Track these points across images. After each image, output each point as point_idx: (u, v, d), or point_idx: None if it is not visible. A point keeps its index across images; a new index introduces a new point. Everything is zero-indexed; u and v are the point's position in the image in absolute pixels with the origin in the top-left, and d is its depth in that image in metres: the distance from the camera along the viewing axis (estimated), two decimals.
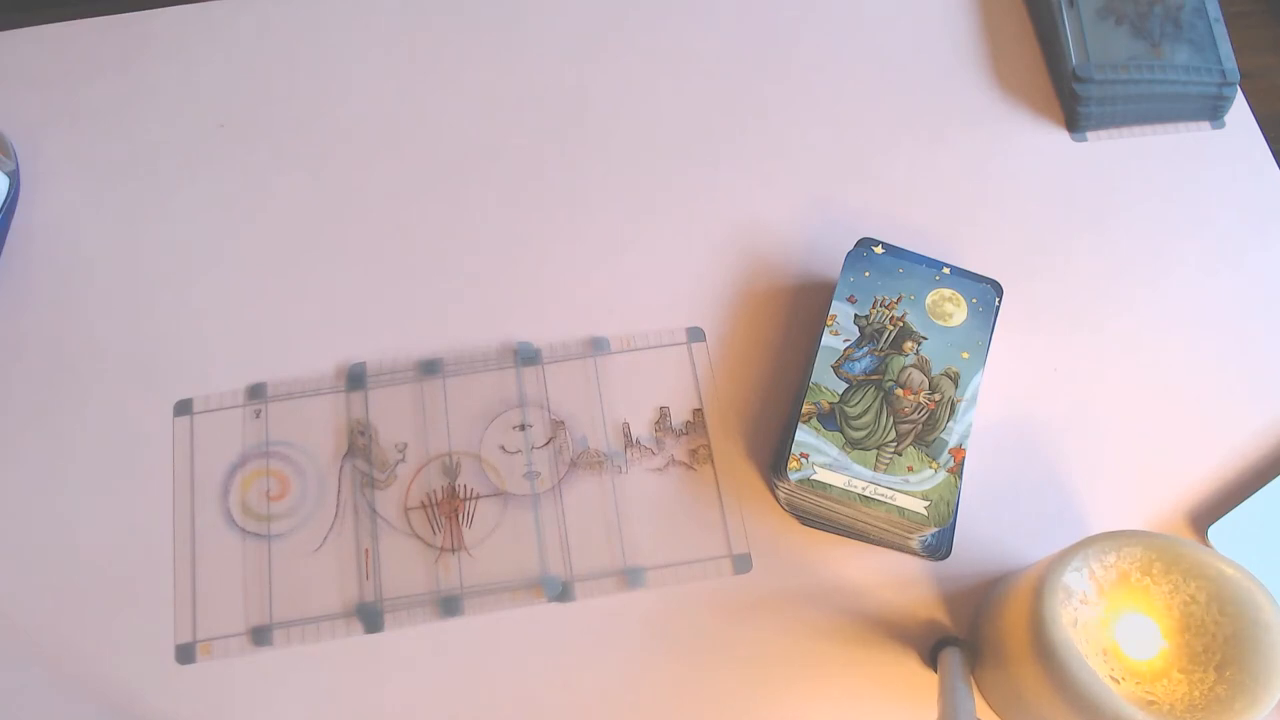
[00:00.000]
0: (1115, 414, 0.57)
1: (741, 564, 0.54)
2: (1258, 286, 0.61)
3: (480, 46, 0.68)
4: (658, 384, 0.58)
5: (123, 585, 0.53)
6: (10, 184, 0.61)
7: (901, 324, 0.53)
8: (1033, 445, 0.56)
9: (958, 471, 0.50)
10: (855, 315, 0.54)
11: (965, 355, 0.53)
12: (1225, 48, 0.64)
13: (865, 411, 0.51)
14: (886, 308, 0.54)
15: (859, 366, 0.52)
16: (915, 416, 0.51)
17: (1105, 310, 0.60)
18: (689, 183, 0.63)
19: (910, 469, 0.50)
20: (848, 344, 0.53)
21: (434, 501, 0.55)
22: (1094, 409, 0.57)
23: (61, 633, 0.52)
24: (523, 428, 0.57)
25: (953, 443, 0.50)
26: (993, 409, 0.56)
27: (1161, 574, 0.43)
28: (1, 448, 0.56)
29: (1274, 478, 0.55)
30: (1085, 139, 0.65)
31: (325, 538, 0.54)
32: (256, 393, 0.57)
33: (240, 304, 0.60)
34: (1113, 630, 0.43)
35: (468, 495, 0.55)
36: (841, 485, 0.49)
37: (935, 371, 0.52)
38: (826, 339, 0.53)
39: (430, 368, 0.58)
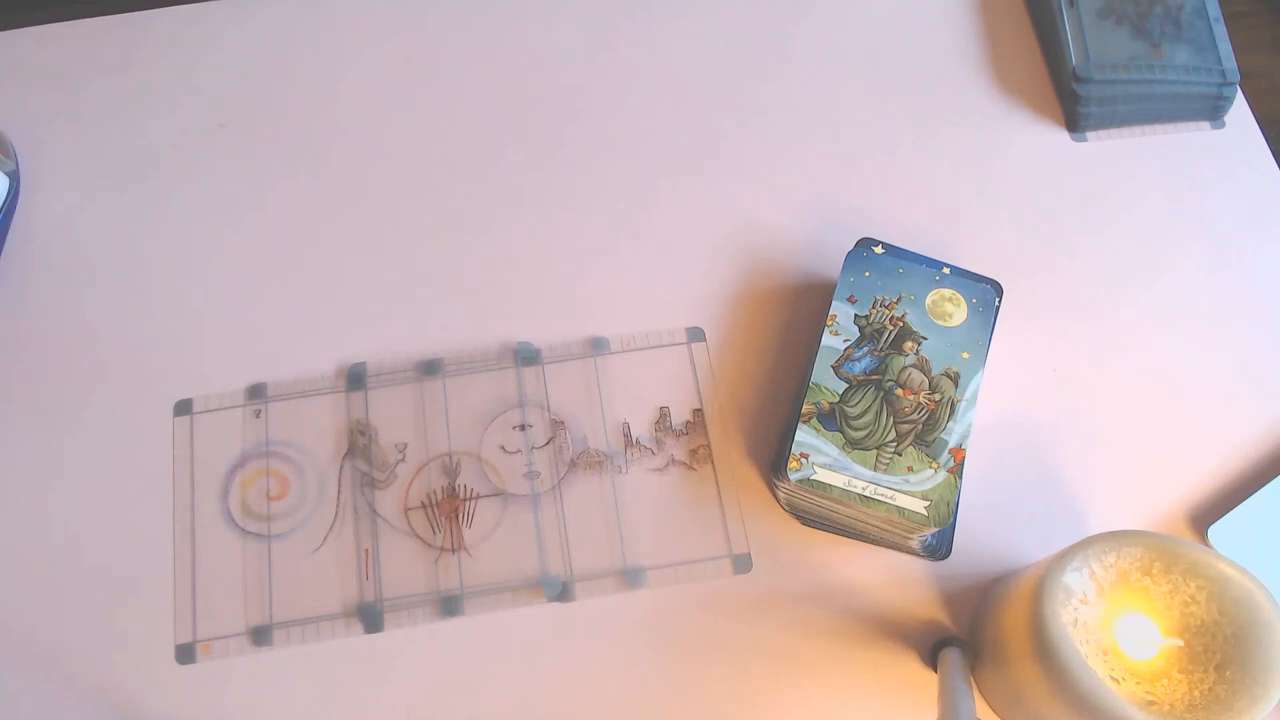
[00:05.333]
0: (1115, 414, 0.57)
1: (741, 564, 0.54)
2: (1258, 286, 0.61)
3: (480, 45, 0.68)
4: (658, 384, 0.58)
5: (123, 585, 0.53)
6: (10, 184, 0.61)
7: (901, 324, 0.53)
8: (1033, 445, 0.56)
9: (958, 471, 0.50)
10: (855, 315, 0.54)
11: (965, 355, 0.53)
12: (1225, 48, 0.64)
13: (865, 411, 0.51)
14: (886, 308, 0.54)
15: (859, 366, 0.52)
16: (915, 416, 0.51)
17: (1105, 310, 0.60)
18: (689, 182, 0.63)
19: (910, 469, 0.50)
20: (848, 344, 0.53)
21: (434, 501, 0.55)
22: (1094, 409, 0.57)
23: (61, 633, 0.52)
24: (523, 428, 0.57)
25: (953, 443, 0.50)
26: (993, 409, 0.56)
27: (1161, 574, 0.43)
28: (1, 448, 0.56)
29: (1274, 478, 0.55)
30: (1085, 139, 0.65)
31: (325, 538, 0.54)
32: (256, 393, 0.57)
33: (240, 304, 0.60)
34: (1113, 630, 0.43)
35: (468, 495, 0.55)
36: (841, 485, 0.49)
37: (935, 371, 0.52)
38: (826, 339, 0.53)
39: (430, 368, 0.58)
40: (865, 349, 0.53)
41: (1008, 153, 0.65)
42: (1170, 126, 0.65)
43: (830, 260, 0.61)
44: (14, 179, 0.62)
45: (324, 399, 0.57)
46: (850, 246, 0.57)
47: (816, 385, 0.52)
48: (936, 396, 0.52)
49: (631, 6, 0.69)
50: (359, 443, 0.56)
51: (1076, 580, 0.43)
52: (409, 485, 0.55)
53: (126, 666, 0.52)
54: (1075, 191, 0.63)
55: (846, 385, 0.52)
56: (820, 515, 0.53)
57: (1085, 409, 0.57)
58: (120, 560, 0.54)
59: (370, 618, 0.53)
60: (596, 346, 0.59)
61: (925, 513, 0.49)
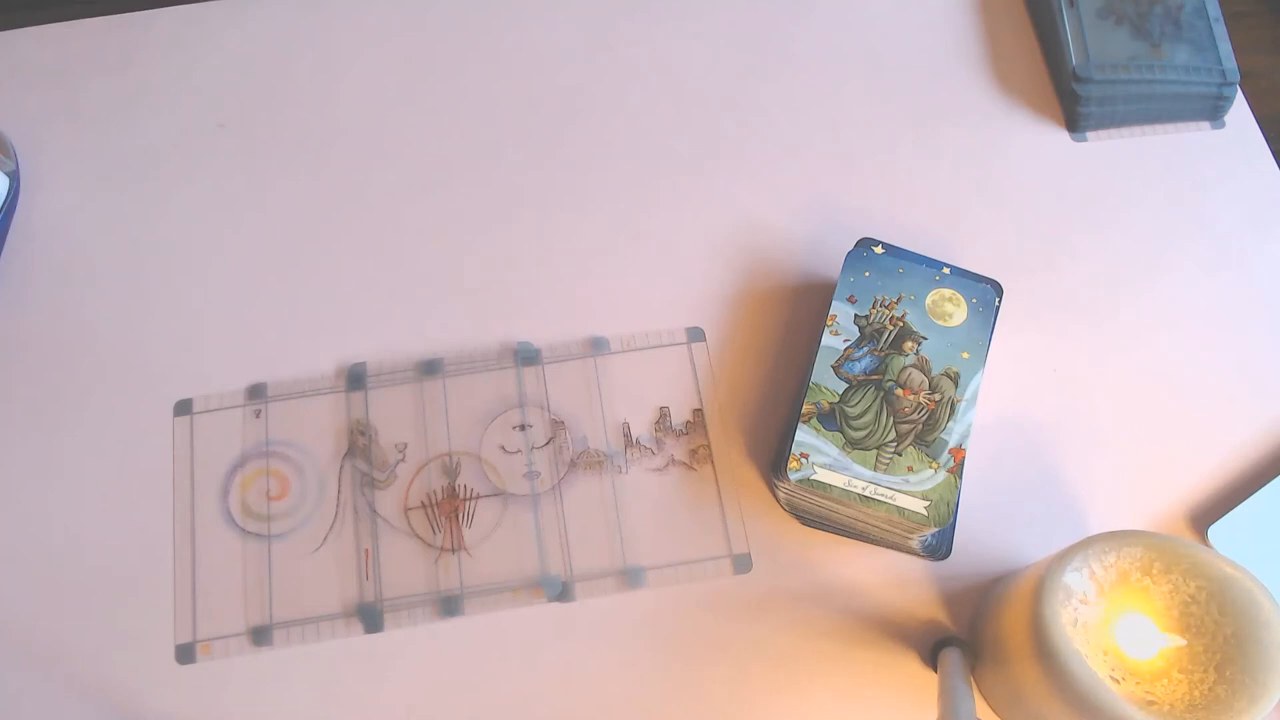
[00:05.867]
0: (1115, 414, 0.57)
1: (741, 564, 0.54)
2: (1257, 286, 0.61)
3: (480, 45, 0.68)
4: (658, 384, 0.58)
5: (123, 585, 0.53)
6: (10, 184, 0.61)
7: (901, 324, 0.53)
8: (1033, 445, 0.56)
9: (958, 471, 0.50)
10: (855, 315, 0.54)
11: (965, 355, 0.53)
12: (1225, 48, 0.64)
13: (865, 411, 0.51)
14: (886, 308, 0.54)
15: (859, 366, 0.52)
16: (915, 416, 0.51)
17: (1105, 310, 0.60)
18: (689, 182, 0.63)
19: (910, 469, 0.50)
20: (848, 344, 0.53)
21: (434, 501, 0.55)
22: (1094, 409, 0.57)
23: (61, 633, 0.52)
24: (523, 428, 0.57)
25: (953, 443, 0.50)
26: (993, 409, 0.56)
27: (1161, 574, 0.43)
28: (1, 448, 0.56)
29: (1274, 478, 0.55)
30: (1085, 139, 0.65)
31: (325, 538, 0.54)
32: (256, 393, 0.57)
33: (240, 304, 0.60)
34: (1113, 630, 0.43)
35: (468, 495, 0.55)
36: (841, 485, 0.49)
37: (935, 371, 0.52)
38: (826, 339, 0.53)
39: (430, 368, 0.58)
40: (865, 349, 0.53)
41: (1008, 153, 0.65)
42: (1170, 126, 0.65)
43: (830, 260, 0.61)
44: (14, 179, 0.62)
45: (324, 399, 0.57)
46: (850, 246, 0.57)
47: (816, 385, 0.52)
48: (936, 396, 0.52)
49: (631, 6, 0.69)
50: (359, 443, 0.56)
51: (1076, 580, 0.43)
52: (409, 485, 0.55)
53: (126, 666, 0.52)
54: (1075, 191, 0.63)
55: (846, 385, 0.52)
56: (820, 515, 0.53)
57: (1085, 409, 0.57)
58: (120, 560, 0.54)
59: (370, 618, 0.53)
60: (596, 346, 0.59)
61: (925, 513, 0.49)
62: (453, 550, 0.54)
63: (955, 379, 0.52)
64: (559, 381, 0.58)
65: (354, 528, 0.54)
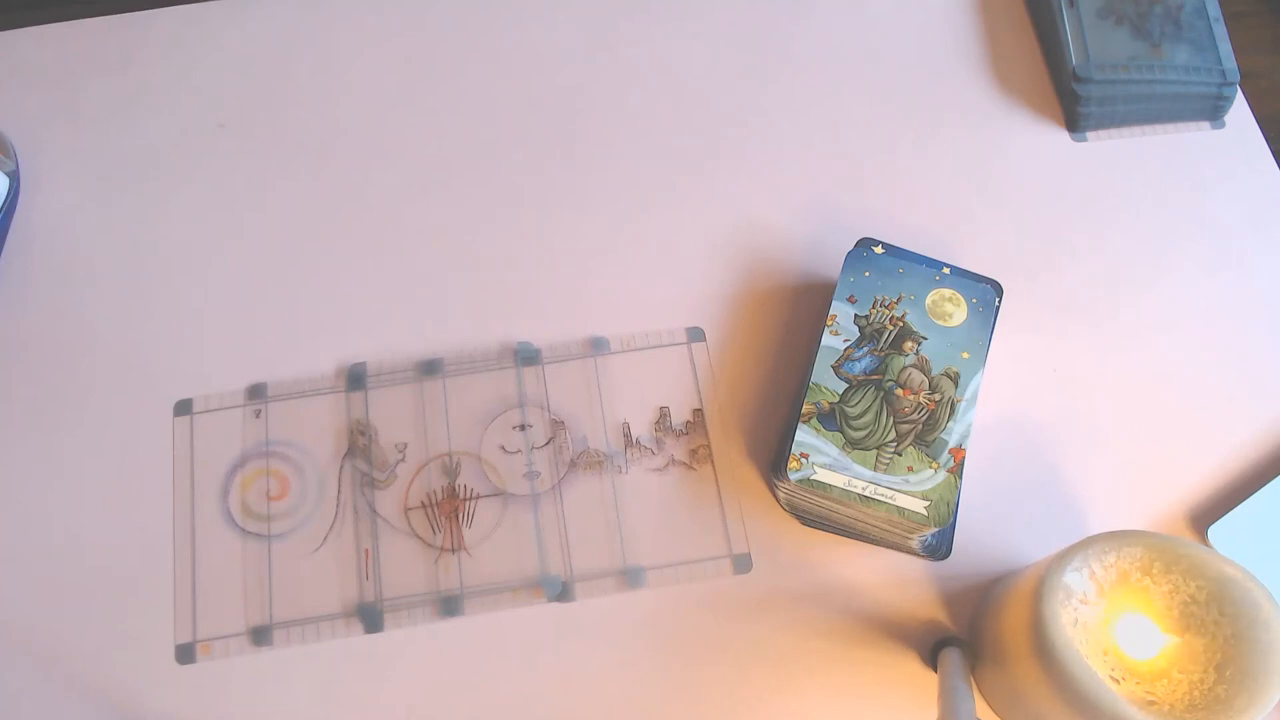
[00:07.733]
0: (1115, 414, 0.57)
1: (741, 564, 0.54)
2: (1258, 286, 0.61)
3: (480, 45, 0.68)
4: (658, 384, 0.58)
5: (123, 585, 0.53)
6: (10, 184, 0.61)
7: (901, 324, 0.53)
8: (1033, 445, 0.56)
9: (958, 471, 0.50)
10: (855, 315, 0.54)
11: (965, 355, 0.53)
12: (1225, 48, 0.64)
13: (865, 411, 0.51)
14: (886, 308, 0.54)
15: (859, 366, 0.52)
16: (915, 416, 0.51)
17: (1105, 310, 0.60)
18: (689, 182, 0.63)
19: (910, 469, 0.50)
20: (848, 344, 0.53)
21: (434, 501, 0.55)
22: (1094, 409, 0.57)
23: (61, 633, 0.52)
24: (523, 428, 0.57)
25: (953, 443, 0.50)
26: (993, 409, 0.56)
27: (1161, 574, 0.43)
28: (1, 448, 0.56)
29: (1274, 478, 0.55)
30: (1085, 139, 0.65)
31: (325, 538, 0.54)
32: (256, 393, 0.57)
33: (240, 304, 0.60)
34: (1113, 630, 0.43)
35: (468, 495, 0.55)
36: (841, 485, 0.49)
37: (935, 371, 0.52)
38: (826, 339, 0.53)
39: (430, 368, 0.58)
40: (865, 349, 0.53)
41: (1008, 153, 0.65)
42: (1170, 126, 0.65)
43: (830, 260, 0.61)
44: (14, 179, 0.62)
45: (324, 399, 0.57)
46: (850, 246, 0.57)
47: (816, 385, 0.52)
48: (936, 396, 0.52)
49: (631, 6, 0.69)
50: (359, 443, 0.56)
51: (1076, 580, 0.43)
52: (409, 485, 0.55)
53: (126, 666, 0.52)
54: (1075, 191, 0.63)
55: (846, 385, 0.52)
56: (820, 515, 0.53)
57: (1085, 409, 0.57)
58: (120, 560, 0.54)
59: (370, 618, 0.53)
60: (596, 346, 0.59)
61: (925, 513, 0.49)
62: (453, 550, 0.54)
63: (955, 379, 0.52)
64: (559, 381, 0.58)
65: (354, 528, 0.54)
